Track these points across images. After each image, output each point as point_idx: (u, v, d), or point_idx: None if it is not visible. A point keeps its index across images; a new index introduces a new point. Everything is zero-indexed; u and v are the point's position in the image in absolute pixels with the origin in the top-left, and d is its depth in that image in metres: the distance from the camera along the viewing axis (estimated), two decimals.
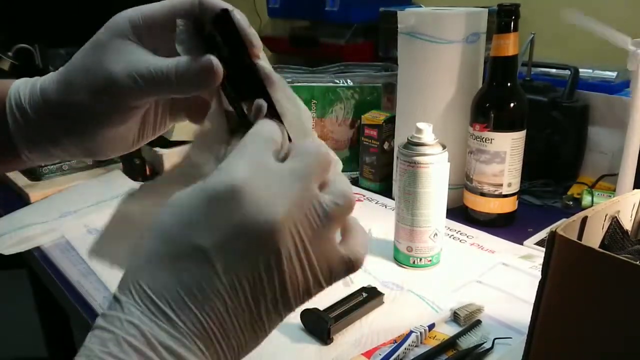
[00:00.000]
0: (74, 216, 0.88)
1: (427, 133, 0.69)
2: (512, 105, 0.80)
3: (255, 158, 0.31)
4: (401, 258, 0.74)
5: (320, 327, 0.58)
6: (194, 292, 0.29)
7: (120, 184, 1.03)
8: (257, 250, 0.30)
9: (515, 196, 0.84)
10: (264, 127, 0.34)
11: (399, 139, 0.94)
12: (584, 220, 0.42)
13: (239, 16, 0.36)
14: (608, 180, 0.92)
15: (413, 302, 0.66)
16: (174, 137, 1.14)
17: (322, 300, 0.59)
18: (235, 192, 0.30)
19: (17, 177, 1.05)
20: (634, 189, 0.68)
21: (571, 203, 0.90)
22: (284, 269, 0.30)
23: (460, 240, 0.81)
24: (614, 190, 0.82)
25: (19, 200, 0.99)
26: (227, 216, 0.30)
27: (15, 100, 0.43)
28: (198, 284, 0.29)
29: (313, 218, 0.31)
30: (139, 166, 1.07)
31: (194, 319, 0.29)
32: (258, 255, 0.30)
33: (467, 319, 0.60)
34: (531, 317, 0.42)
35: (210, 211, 0.30)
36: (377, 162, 1.00)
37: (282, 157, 0.33)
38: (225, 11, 0.35)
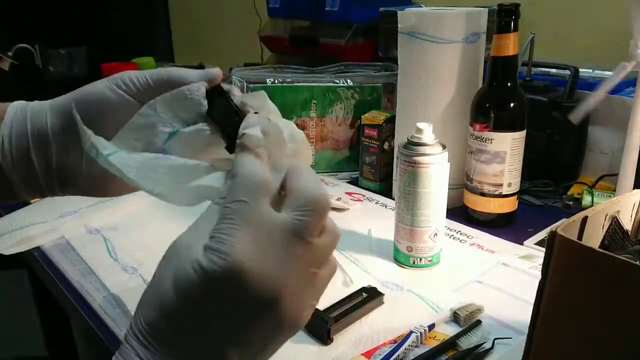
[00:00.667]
0: (74, 216, 0.88)
1: (427, 133, 0.69)
2: (512, 105, 0.80)
3: (254, 225, 0.31)
4: (401, 258, 0.74)
5: (320, 327, 0.58)
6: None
7: None
8: (261, 322, 0.31)
9: (516, 196, 0.84)
10: (251, 171, 0.33)
11: (399, 139, 0.94)
12: (584, 220, 0.42)
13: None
14: (608, 180, 0.92)
15: (413, 302, 0.66)
16: None
17: (322, 300, 0.59)
18: (239, 274, 0.30)
19: None
20: (634, 189, 0.68)
21: (571, 203, 0.90)
22: (284, 327, 0.32)
23: (460, 240, 0.81)
24: (614, 190, 0.82)
25: None
26: (228, 296, 0.30)
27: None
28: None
29: (312, 272, 0.33)
30: None
31: None
32: (263, 325, 0.31)
33: (467, 319, 0.60)
34: (531, 317, 0.42)
35: (211, 291, 0.30)
36: (377, 162, 1.00)
37: (274, 198, 0.33)
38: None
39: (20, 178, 0.43)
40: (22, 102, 0.44)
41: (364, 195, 0.99)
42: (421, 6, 1.13)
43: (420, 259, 0.72)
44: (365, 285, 0.66)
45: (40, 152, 0.42)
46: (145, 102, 0.41)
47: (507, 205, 0.83)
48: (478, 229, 0.83)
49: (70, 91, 0.44)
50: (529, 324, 0.42)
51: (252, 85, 1.07)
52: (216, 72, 0.41)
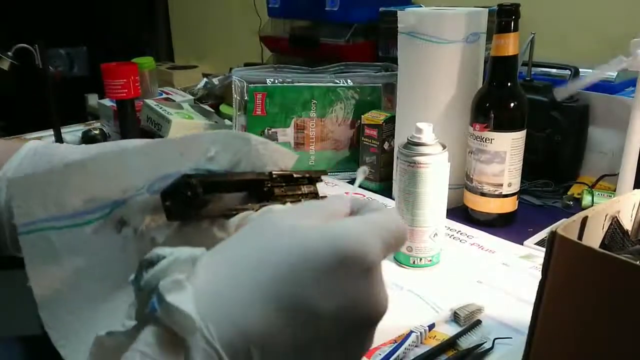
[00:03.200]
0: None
1: (427, 133, 0.69)
2: (512, 105, 0.80)
3: (382, 238, 0.29)
4: (401, 258, 0.74)
5: None
6: (290, 356, 0.27)
7: None
8: (360, 334, 0.29)
9: (516, 196, 0.84)
10: (396, 222, 0.31)
11: (399, 139, 0.94)
12: (584, 220, 0.42)
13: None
14: (608, 180, 0.92)
15: (413, 302, 0.65)
16: (170, 137, 1.14)
17: None
18: (370, 266, 0.28)
19: None
20: (634, 189, 0.68)
21: (571, 203, 0.90)
22: (371, 338, 0.30)
23: (460, 240, 0.81)
24: (614, 190, 0.82)
25: None
26: (351, 288, 0.28)
27: None
28: (300, 349, 0.27)
29: None
30: None
31: None
32: (359, 338, 0.29)
33: (467, 319, 0.60)
34: (531, 317, 0.42)
35: (338, 274, 0.27)
36: (377, 162, 1.00)
37: None
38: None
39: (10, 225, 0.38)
40: (45, 142, 0.41)
41: (364, 196, 0.99)
42: (421, 6, 1.13)
43: (420, 259, 0.72)
44: None
45: None
46: None
47: (507, 205, 0.83)
48: (478, 229, 0.83)
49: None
50: (529, 324, 0.42)
51: (252, 85, 1.07)
52: None
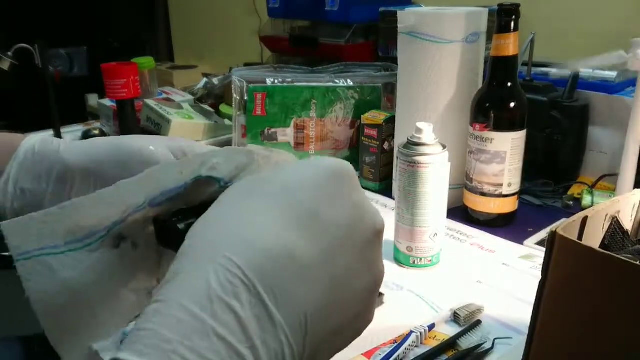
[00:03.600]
0: None
1: (427, 133, 0.69)
2: (512, 105, 0.80)
3: None
4: (401, 258, 0.74)
5: None
6: (318, 269, 0.27)
7: None
8: (369, 238, 0.31)
9: (516, 196, 0.84)
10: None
11: (399, 139, 0.94)
12: (584, 221, 0.42)
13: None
14: (608, 180, 0.92)
15: (413, 302, 0.66)
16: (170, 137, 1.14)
17: None
18: (355, 178, 0.31)
19: None
20: (634, 189, 0.68)
21: (571, 203, 0.90)
22: (381, 259, 0.32)
23: (460, 240, 0.81)
24: (614, 190, 0.82)
25: None
26: (352, 195, 0.30)
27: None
28: (325, 259, 0.28)
29: None
30: None
31: (294, 308, 0.26)
32: (369, 245, 0.31)
33: (467, 319, 0.60)
34: (531, 317, 0.42)
35: (338, 187, 0.30)
36: (377, 162, 1.00)
37: None
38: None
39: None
40: (42, 135, 0.40)
41: None
42: (421, 6, 1.13)
43: (420, 259, 0.72)
44: None
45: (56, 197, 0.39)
46: None
47: (507, 205, 0.83)
48: (478, 229, 0.83)
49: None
50: (529, 324, 0.42)
51: (252, 85, 1.07)
52: None
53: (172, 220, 0.34)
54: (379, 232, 0.32)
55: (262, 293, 0.25)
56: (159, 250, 0.36)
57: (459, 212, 0.87)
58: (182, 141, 0.42)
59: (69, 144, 0.40)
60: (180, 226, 0.33)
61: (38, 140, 0.39)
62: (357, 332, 0.33)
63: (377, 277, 0.32)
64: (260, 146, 0.37)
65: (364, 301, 0.31)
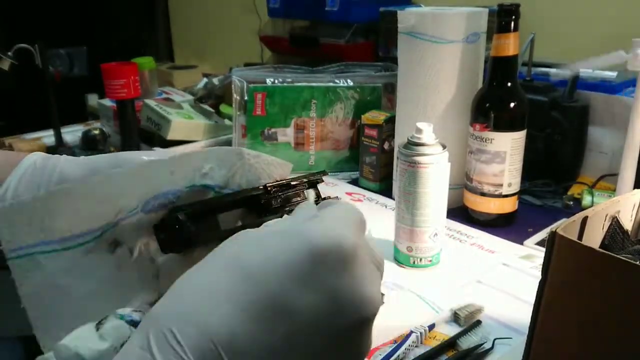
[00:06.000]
0: None
1: (427, 133, 0.69)
2: (512, 105, 0.80)
3: (355, 224, 0.29)
4: (401, 258, 0.74)
5: None
6: None
7: None
8: (351, 329, 0.27)
9: (516, 196, 0.84)
10: (355, 209, 0.31)
11: (399, 139, 0.94)
12: (584, 221, 0.42)
13: None
14: (608, 180, 0.92)
15: (413, 302, 0.66)
16: (170, 137, 1.14)
17: None
18: (347, 256, 0.27)
19: None
20: (634, 189, 0.68)
21: (571, 203, 0.90)
22: (365, 344, 0.29)
23: (460, 240, 0.81)
24: (614, 190, 0.82)
25: None
26: (331, 282, 0.26)
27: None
28: (279, 351, 0.25)
29: None
30: None
31: None
32: (349, 335, 0.28)
33: (467, 319, 0.60)
34: (531, 317, 0.42)
35: (315, 270, 0.26)
36: (377, 162, 1.00)
37: None
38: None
39: None
40: (45, 154, 0.40)
41: (364, 195, 0.99)
42: (421, 6, 1.13)
43: (420, 259, 0.72)
44: None
45: None
46: None
47: (507, 205, 0.83)
48: (478, 229, 0.83)
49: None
50: (529, 324, 0.42)
51: (252, 85, 1.07)
52: None
53: (171, 216, 0.34)
54: (360, 324, 0.28)
55: None
56: (155, 262, 0.36)
57: (459, 212, 0.87)
58: (173, 152, 0.42)
59: (68, 159, 0.40)
60: (181, 216, 0.33)
61: (40, 156, 0.40)
62: None
63: (360, 355, 0.29)
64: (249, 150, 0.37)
65: None
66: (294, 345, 0.26)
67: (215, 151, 0.36)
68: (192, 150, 0.37)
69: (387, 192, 0.99)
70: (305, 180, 0.39)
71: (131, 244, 0.35)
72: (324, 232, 0.27)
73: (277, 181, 0.38)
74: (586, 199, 0.87)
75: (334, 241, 0.26)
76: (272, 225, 0.30)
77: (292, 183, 0.38)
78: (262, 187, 0.37)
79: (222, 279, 0.26)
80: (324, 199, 0.40)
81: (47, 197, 0.33)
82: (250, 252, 0.27)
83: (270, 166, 0.38)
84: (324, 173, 0.40)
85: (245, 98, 1.07)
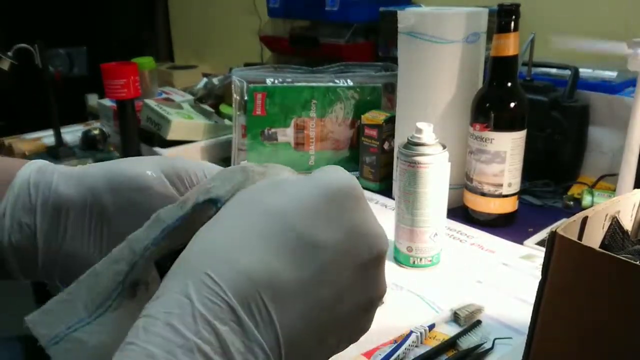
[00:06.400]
0: None
1: (427, 133, 0.69)
2: (512, 105, 0.80)
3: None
4: (401, 258, 0.74)
5: None
6: (302, 294, 0.27)
7: None
8: (368, 262, 0.30)
9: (516, 196, 0.84)
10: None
11: (399, 139, 0.94)
12: (584, 220, 0.42)
13: None
14: (608, 180, 0.92)
15: (413, 302, 0.66)
16: (170, 137, 1.14)
17: None
18: (357, 196, 0.29)
19: None
20: (634, 188, 0.68)
21: (571, 203, 0.90)
22: (382, 280, 0.31)
23: (460, 240, 0.81)
24: (614, 190, 0.82)
25: None
26: (348, 217, 0.29)
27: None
28: (310, 284, 0.27)
29: None
30: None
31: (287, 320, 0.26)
32: (368, 269, 0.30)
33: (467, 319, 0.60)
34: (531, 317, 0.42)
35: (332, 207, 0.28)
36: (377, 162, 1.00)
37: None
38: None
39: (19, 261, 0.38)
40: (39, 163, 0.39)
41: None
42: (421, 6, 1.13)
43: (420, 259, 0.72)
44: None
45: (52, 229, 0.37)
46: None
47: (508, 205, 0.83)
48: (478, 229, 0.83)
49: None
50: (529, 324, 0.42)
51: (252, 85, 1.07)
52: None
53: (163, 262, 0.34)
54: (377, 258, 0.30)
55: (241, 315, 0.25)
56: None
57: (459, 212, 0.87)
58: (174, 160, 0.40)
59: (62, 173, 0.39)
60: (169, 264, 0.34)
61: (34, 170, 0.38)
62: (351, 341, 0.32)
63: (374, 298, 0.31)
64: (254, 164, 0.37)
65: (356, 320, 0.31)
66: (324, 280, 0.28)
67: (220, 171, 0.36)
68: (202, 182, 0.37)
69: (387, 192, 0.99)
70: None
71: (146, 277, 0.35)
72: (335, 177, 0.29)
73: None
74: (586, 199, 0.87)
75: (346, 182, 0.29)
76: (276, 176, 0.32)
77: None
78: None
79: (248, 221, 0.28)
80: None
81: (77, 287, 0.34)
82: (271, 196, 0.28)
83: None
84: None
85: (245, 98, 1.07)
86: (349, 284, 0.29)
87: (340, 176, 0.29)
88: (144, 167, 0.38)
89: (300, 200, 0.28)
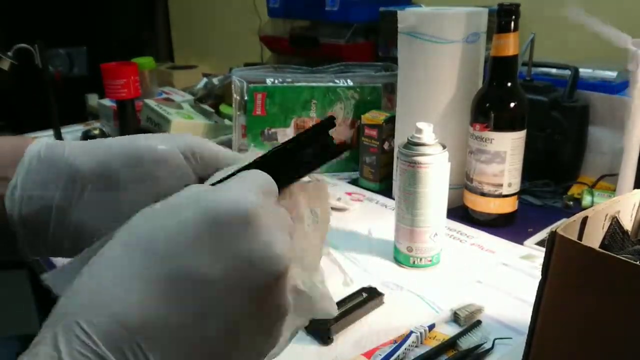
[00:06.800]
0: None
1: (427, 133, 0.69)
2: (512, 105, 0.80)
3: (260, 188, 0.29)
4: (401, 258, 0.73)
5: (320, 327, 0.58)
6: (184, 335, 0.24)
7: None
8: (263, 288, 0.27)
9: (516, 196, 0.84)
10: (263, 175, 0.31)
11: (399, 139, 0.94)
12: (584, 221, 0.42)
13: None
14: (608, 180, 0.92)
15: (413, 302, 0.66)
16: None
17: None
18: (251, 218, 0.26)
19: None
20: (634, 189, 0.68)
21: (571, 203, 0.90)
22: (283, 304, 0.28)
23: (460, 240, 0.81)
24: (614, 190, 0.82)
25: None
26: (235, 245, 0.26)
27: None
28: (193, 323, 0.25)
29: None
30: None
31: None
32: (263, 293, 0.27)
33: (467, 319, 0.60)
34: (531, 317, 0.42)
35: (216, 236, 0.26)
36: (377, 162, 1.00)
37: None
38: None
39: (27, 236, 0.37)
40: (48, 140, 0.38)
41: (364, 195, 0.99)
42: (421, 6, 1.13)
43: (420, 259, 0.72)
44: (365, 285, 0.66)
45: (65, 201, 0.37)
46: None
47: (507, 205, 0.83)
48: (478, 229, 0.83)
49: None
50: (529, 324, 0.42)
51: (252, 85, 1.07)
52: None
53: None
54: (276, 279, 0.27)
55: None
56: None
57: (459, 212, 0.87)
58: (189, 138, 0.40)
59: (74, 146, 0.38)
60: None
61: (43, 145, 0.38)
62: (260, 357, 0.30)
63: (276, 317, 0.29)
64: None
65: (260, 341, 0.29)
66: (209, 313, 0.25)
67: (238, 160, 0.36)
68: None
69: (387, 192, 0.99)
70: (308, 132, 0.35)
71: None
72: (221, 196, 0.26)
73: (284, 142, 0.36)
74: (586, 199, 0.87)
75: (232, 204, 0.26)
76: (171, 198, 0.28)
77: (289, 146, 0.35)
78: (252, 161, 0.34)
79: (119, 258, 0.25)
80: (336, 147, 0.35)
81: (95, 248, 0.33)
82: (148, 228, 0.26)
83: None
84: (332, 118, 0.35)
85: (245, 98, 1.07)
86: (244, 311, 0.27)
87: (230, 197, 0.26)
88: (157, 141, 0.38)
89: (180, 232, 0.25)
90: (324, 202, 0.34)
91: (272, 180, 0.30)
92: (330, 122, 0.34)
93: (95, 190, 0.37)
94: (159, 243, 0.25)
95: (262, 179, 0.30)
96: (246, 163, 0.34)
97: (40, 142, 0.38)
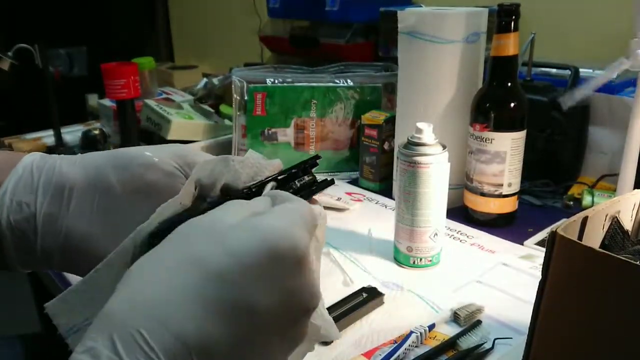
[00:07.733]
0: None
1: (427, 133, 0.69)
2: (512, 105, 0.80)
3: (307, 225, 0.30)
4: (401, 258, 0.74)
5: None
6: (230, 356, 0.26)
7: None
8: (299, 320, 0.29)
9: (516, 196, 0.84)
10: (315, 207, 0.33)
11: (399, 139, 0.94)
12: (585, 221, 0.42)
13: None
14: (608, 180, 0.92)
15: (413, 302, 0.66)
16: (170, 137, 1.14)
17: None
18: (301, 257, 0.28)
19: None
20: (634, 189, 0.68)
21: (571, 203, 0.90)
22: (306, 333, 0.31)
23: (460, 240, 0.81)
24: (614, 190, 0.82)
25: None
26: (288, 279, 0.28)
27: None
28: (238, 346, 0.26)
29: None
30: None
31: None
32: (297, 325, 0.29)
33: (467, 319, 0.60)
34: (531, 317, 0.42)
35: (272, 267, 0.27)
36: (377, 162, 1.00)
37: None
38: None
39: (15, 243, 0.37)
40: (42, 154, 0.39)
41: (364, 195, 0.99)
42: (421, 6, 1.13)
43: (420, 259, 0.72)
44: (366, 285, 0.66)
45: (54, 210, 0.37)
46: None
47: (507, 206, 0.83)
48: (478, 229, 0.83)
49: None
50: (529, 324, 0.42)
51: (252, 85, 1.07)
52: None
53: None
54: (308, 313, 0.30)
55: None
56: None
57: (459, 212, 0.87)
58: (177, 147, 0.41)
59: (66, 158, 0.39)
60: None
61: (37, 157, 0.39)
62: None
63: (294, 346, 0.31)
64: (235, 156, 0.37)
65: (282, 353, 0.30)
66: (253, 339, 0.27)
67: (203, 164, 0.36)
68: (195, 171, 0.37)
69: (387, 192, 0.99)
70: (293, 170, 0.39)
71: None
72: (282, 232, 0.28)
73: (267, 177, 0.38)
74: (586, 199, 0.87)
75: (291, 243, 0.28)
76: (221, 214, 0.30)
77: (279, 177, 0.38)
78: (241, 189, 0.37)
79: (183, 275, 0.26)
80: (320, 182, 0.39)
81: (95, 276, 0.34)
82: (209, 247, 0.27)
83: (256, 169, 0.38)
84: (317, 157, 0.40)
85: (245, 98, 1.07)
86: (277, 339, 0.28)
87: (286, 231, 0.28)
88: (145, 150, 0.39)
89: (240, 259, 0.27)
90: (323, 229, 0.36)
91: (315, 213, 0.32)
92: (314, 161, 0.39)
93: (85, 198, 0.38)
94: (221, 268, 0.26)
95: (309, 214, 0.31)
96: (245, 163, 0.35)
97: (35, 154, 0.39)
